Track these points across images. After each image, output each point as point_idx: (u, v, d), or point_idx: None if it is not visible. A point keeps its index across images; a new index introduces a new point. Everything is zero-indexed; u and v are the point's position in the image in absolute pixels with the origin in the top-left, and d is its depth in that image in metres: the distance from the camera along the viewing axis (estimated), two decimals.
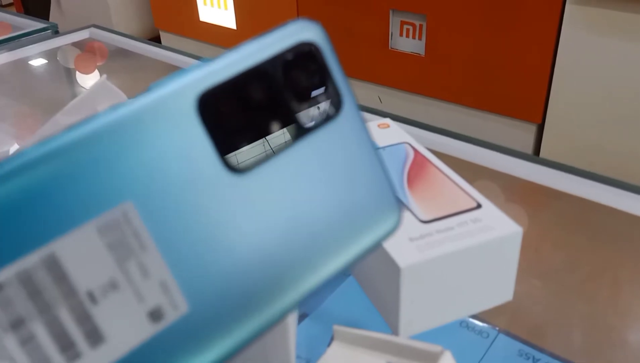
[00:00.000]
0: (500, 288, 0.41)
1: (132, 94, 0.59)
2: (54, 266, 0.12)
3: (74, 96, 0.83)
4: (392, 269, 0.37)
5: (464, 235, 0.38)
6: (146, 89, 0.15)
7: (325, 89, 0.16)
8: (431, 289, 0.38)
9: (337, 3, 1.42)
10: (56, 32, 1.05)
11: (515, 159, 0.61)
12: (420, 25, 1.31)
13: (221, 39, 1.73)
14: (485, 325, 0.43)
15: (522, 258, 0.41)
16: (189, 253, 0.14)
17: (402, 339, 0.37)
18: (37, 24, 1.07)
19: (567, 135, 1.15)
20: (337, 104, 0.16)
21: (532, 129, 1.22)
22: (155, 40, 1.89)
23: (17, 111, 0.85)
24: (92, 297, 0.13)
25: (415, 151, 0.49)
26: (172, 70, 0.92)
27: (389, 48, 1.38)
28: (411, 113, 0.71)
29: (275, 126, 0.15)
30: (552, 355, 0.41)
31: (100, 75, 0.62)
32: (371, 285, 0.42)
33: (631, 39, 1.02)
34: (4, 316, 0.12)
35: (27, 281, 0.12)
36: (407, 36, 1.34)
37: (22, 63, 0.96)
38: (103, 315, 0.13)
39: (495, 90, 1.23)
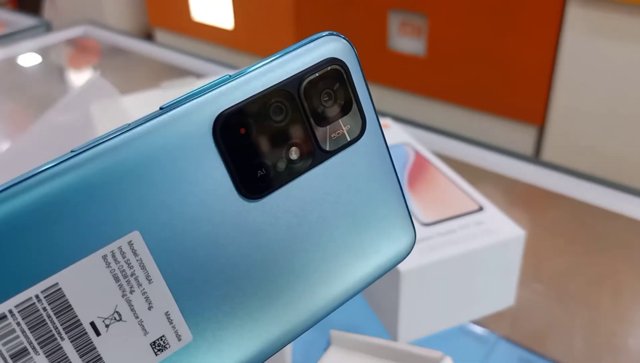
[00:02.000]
0: (501, 293, 0.40)
1: (126, 93, 0.58)
2: (57, 297, 0.12)
3: (67, 93, 0.82)
4: (392, 272, 0.36)
5: (466, 238, 0.38)
6: (158, 108, 0.13)
7: (350, 111, 0.15)
8: (432, 293, 0.37)
9: (335, 2, 1.41)
10: (49, 29, 1.04)
11: (516, 162, 0.60)
12: (420, 26, 1.31)
13: (218, 38, 1.72)
14: (485, 330, 0.42)
15: (523, 263, 0.40)
16: (196, 283, 0.13)
17: (401, 344, 0.36)
18: (30, 21, 1.06)
19: (568, 137, 1.14)
20: (360, 127, 0.15)
21: (532, 131, 1.21)
22: (149, 38, 1.88)
23: (9, 109, 0.84)
24: (95, 329, 0.13)
25: (416, 152, 0.48)
26: (167, 69, 0.91)
27: (388, 48, 1.37)
28: (410, 114, 0.71)
29: (295, 149, 0.14)
30: (553, 361, 0.40)
31: (94, 73, 0.61)
32: (370, 289, 0.41)
33: (633, 42, 1.02)
34: (5, 347, 0.12)
35: (29, 312, 0.12)
36: (407, 36, 1.34)
37: (15, 60, 0.95)
38: (106, 346, 0.13)
39: (496, 91, 1.23)
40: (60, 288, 0.12)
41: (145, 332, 0.13)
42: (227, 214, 0.13)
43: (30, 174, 0.12)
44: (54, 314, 0.12)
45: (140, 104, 0.59)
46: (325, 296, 0.15)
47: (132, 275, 0.13)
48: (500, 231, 0.38)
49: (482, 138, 0.65)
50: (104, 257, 0.12)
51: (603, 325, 0.44)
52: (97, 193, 0.12)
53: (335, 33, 0.15)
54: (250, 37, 1.66)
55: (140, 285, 0.13)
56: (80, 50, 1.01)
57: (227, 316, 0.14)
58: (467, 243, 0.37)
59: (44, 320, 0.12)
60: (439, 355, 0.35)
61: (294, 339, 0.15)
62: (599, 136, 1.12)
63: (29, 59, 0.96)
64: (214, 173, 0.13)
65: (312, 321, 0.15)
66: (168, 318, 0.13)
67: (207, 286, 0.13)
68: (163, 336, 0.13)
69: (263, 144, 0.14)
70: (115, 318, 0.13)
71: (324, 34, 0.15)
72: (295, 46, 0.14)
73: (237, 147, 0.13)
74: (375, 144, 0.15)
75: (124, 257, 0.13)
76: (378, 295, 0.40)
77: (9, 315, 0.12)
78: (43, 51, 0.98)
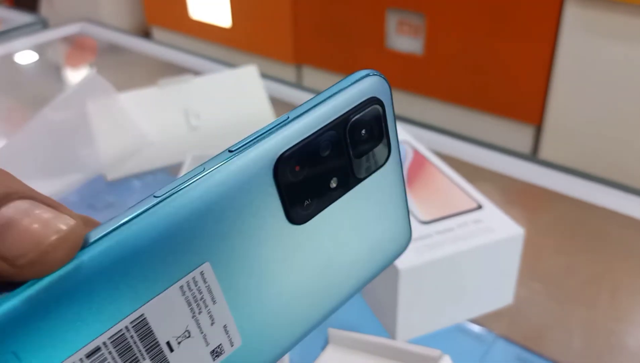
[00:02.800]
0: (500, 291, 0.40)
1: (123, 90, 0.57)
2: (142, 325, 0.14)
3: (63, 91, 0.82)
4: (390, 271, 0.36)
5: (465, 236, 0.37)
6: (223, 151, 0.15)
7: (381, 142, 0.17)
8: (430, 292, 0.37)
9: (333, 1, 1.41)
10: (46, 26, 1.03)
11: (514, 160, 0.60)
12: (418, 25, 1.31)
13: (215, 36, 1.72)
14: (482, 329, 0.42)
15: (521, 261, 0.40)
16: (249, 299, 0.15)
17: (399, 343, 0.36)
18: (27, 18, 1.06)
19: (565, 137, 1.14)
20: (387, 155, 0.17)
21: (529, 130, 1.21)
22: (146, 36, 1.88)
23: (5, 106, 0.83)
24: (170, 346, 0.14)
25: (415, 150, 0.47)
26: (164, 66, 0.91)
27: (385, 47, 1.37)
28: (407, 113, 0.71)
29: (335, 179, 0.16)
30: (551, 360, 0.40)
31: (90, 70, 0.61)
32: (368, 287, 0.41)
33: (630, 41, 1.02)
34: None
35: (119, 342, 0.13)
36: (405, 35, 1.34)
37: (11, 57, 0.95)
38: (177, 359, 0.14)
39: (493, 91, 1.23)
40: (145, 318, 0.14)
41: (207, 344, 0.15)
42: (278, 237, 0.15)
43: (126, 219, 0.13)
44: (139, 340, 0.14)
45: (137, 101, 0.59)
46: (339, 295, 0.18)
47: (201, 299, 0.14)
48: (499, 229, 0.38)
49: (480, 137, 0.65)
50: (181, 287, 0.14)
51: (601, 324, 0.44)
52: (180, 233, 0.14)
53: (375, 72, 0.16)
54: (247, 36, 1.66)
55: (207, 306, 0.15)
56: (77, 47, 1.00)
57: (269, 321, 0.16)
58: (466, 241, 0.37)
59: (131, 346, 0.13)
60: (437, 353, 0.34)
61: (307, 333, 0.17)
62: (597, 135, 1.12)
63: (25, 57, 0.96)
64: (271, 205, 0.15)
65: (324, 318, 0.18)
66: (225, 330, 0.15)
67: (259, 298, 0.16)
68: (220, 344, 0.15)
69: (312, 178, 0.16)
70: (185, 336, 0.14)
71: (365, 73, 0.16)
72: (342, 85, 0.16)
73: (292, 182, 0.15)
74: (395, 168, 0.18)
75: (196, 285, 0.14)
76: (376, 294, 0.39)
77: (102, 347, 0.13)
78: (39, 48, 0.98)
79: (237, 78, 0.63)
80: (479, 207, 0.40)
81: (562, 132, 1.16)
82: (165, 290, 0.14)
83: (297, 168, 0.15)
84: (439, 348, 0.35)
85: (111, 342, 0.13)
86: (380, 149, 0.17)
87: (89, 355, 0.13)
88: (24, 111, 0.81)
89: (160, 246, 0.13)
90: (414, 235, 0.38)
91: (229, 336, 0.15)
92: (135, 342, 0.13)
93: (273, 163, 0.15)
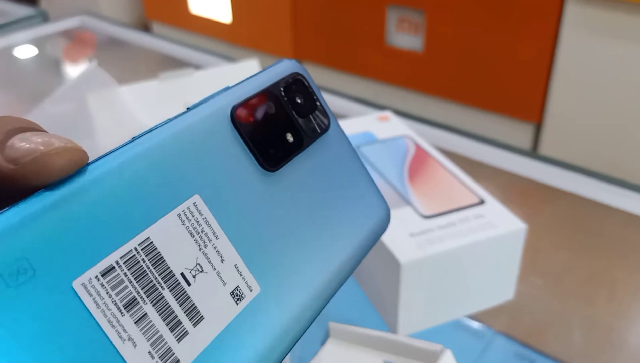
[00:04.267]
0: (501, 287, 0.40)
1: (124, 84, 0.57)
2: (151, 249, 0.14)
3: (63, 84, 0.81)
4: (392, 265, 0.36)
5: (466, 231, 0.37)
6: (185, 109, 0.17)
7: (316, 108, 0.20)
8: (432, 286, 0.37)
9: None
10: (46, 20, 1.03)
11: (515, 156, 0.60)
12: (418, 22, 1.31)
13: (215, 32, 1.72)
14: (481, 325, 0.42)
15: (521, 257, 0.40)
16: (249, 240, 0.16)
17: (400, 337, 0.36)
18: (26, 11, 1.05)
19: (565, 135, 1.14)
20: (327, 121, 0.20)
21: (529, 128, 1.21)
22: (146, 30, 1.87)
23: (4, 100, 0.83)
24: (185, 279, 0.15)
25: (416, 144, 0.47)
26: (165, 60, 0.90)
27: (386, 44, 1.37)
28: (407, 110, 0.70)
29: (289, 134, 0.19)
30: (549, 357, 0.40)
31: (90, 63, 0.61)
32: (369, 281, 0.41)
33: (631, 39, 1.02)
34: (117, 298, 0.13)
35: (132, 263, 0.14)
36: (405, 32, 1.34)
37: (10, 50, 0.94)
38: (197, 295, 0.15)
39: (493, 88, 1.23)
40: (152, 242, 0.14)
41: (224, 283, 0.16)
42: (256, 184, 0.17)
43: (114, 150, 0.15)
44: (152, 265, 0.14)
45: (138, 94, 0.58)
46: (332, 260, 0.19)
47: (202, 231, 0.15)
48: (500, 224, 0.38)
49: (480, 134, 0.65)
50: (179, 216, 0.15)
51: (601, 320, 0.44)
52: (163, 165, 0.15)
53: (291, 60, 0.20)
54: (247, 32, 1.66)
55: (210, 240, 0.16)
56: (77, 41, 1.00)
57: (280, 269, 0.17)
58: (468, 236, 0.37)
59: (145, 270, 0.14)
60: (438, 347, 0.34)
61: (328, 301, 0.18)
62: (596, 134, 1.12)
63: (25, 50, 0.95)
64: (240, 151, 0.17)
65: (336, 281, 0.19)
66: (238, 270, 0.16)
67: (257, 243, 0.17)
68: (238, 286, 0.16)
69: (268, 130, 0.18)
70: (198, 269, 0.15)
71: (284, 60, 0.20)
72: (267, 68, 0.20)
73: (251, 131, 0.17)
74: (340, 136, 0.21)
75: (193, 216, 0.15)
76: (377, 288, 0.39)
77: (116, 266, 0.14)
78: (39, 42, 0.98)
79: (238, 72, 0.63)
80: (481, 202, 0.40)
81: (561, 130, 1.16)
82: (164, 215, 0.15)
83: (251, 119, 0.18)
84: (439, 344, 0.35)
85: (124, 263, 0.14)
86: (318, 115, 0.20)
87: (104, 274, 0.13)
88: (24, 105, 0.80)
89: (150, 174, 0.15)
90: (417, 229, 0.38)
91: (243, 278, 0.16)
92: (148, 267, 0.14)
93: (229, 112, 0.17)
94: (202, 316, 0.15)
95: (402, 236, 0.37)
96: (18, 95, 0.85)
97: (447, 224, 0.38)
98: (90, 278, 0.13)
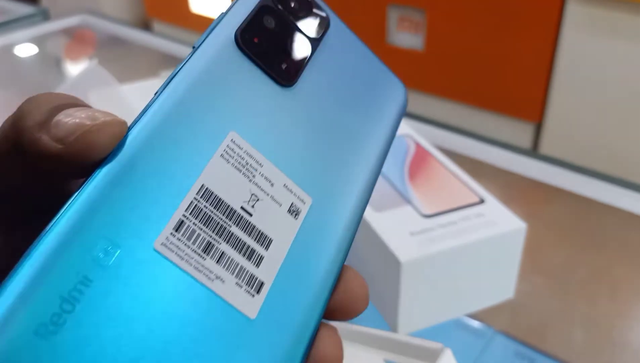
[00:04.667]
0: (501, 285, 0.40)
1: (125, 82, 0.57)
2: (208, 194, 0.15)
3: (64, 82, 0.81)
4: (392, 263, 0.36)
5: (467, 230, 0.37)
6: (192, 48, 0.17)
7: (313, 8, 0.20)
8: (432, 285, 0.37)
9: None
10: (47, 18, 1.03)
11: (516, 155, 0.60)
12: (419, 21, 1.31)
13: None
14: (482, 324, 0.42)
15: (522, 256, 0.40)
16: (288, 157, 0.17)
17: (401, 336, 0.36)
18: (27, 9, 1.05)
19: (565, 135, 1.14)
20: (327, 19, 0.20)
21: (529, 127, 1.21)
22: (147, 29, 1.87)
23: (5, 98, 0.83)
24: (247, 211, 0.16)
25: (417, 143, 0.47)
26: (165, 59, 0.90)
27: (386, 43, 1.37)
28: (408, 109, 0.71)
29: (293, 43, 0.19)
30: (549, 356, 0.40)
31: (91, 61, 0.61)
32: (369, 280, 0.41)
33: (631, 39, 1.02)
34: (195, 246, 0.14)
35: (197, 212, 0.15)
36: (405, 31, 1.34)
37: (11, 49, 0.94)
38: (261, 222, 0.16)
39: (494, 88, 1.23)
40: (207, 188, 0.15)
41: (279, 204, 0.17)
42: (279, 102, 0.18)
43: (145, 109, 0.15)
44: (214, 208, 0.15)
45: (138, 93, 0.59)
46: (368, 152, 0.19)
47: (246, 163, 0.16)
48: (501, 223, 0.38)
49: (480, 134, 0.65)
50: (222, 156, 0.16)
51: (601, 319, 0.44)
52: (194, 114, 0.16)
53: None
54: None
55: (256, 170, 0.16)
56: (78, 39, 1.00)
57: (324, 175, 0.18)
58: (468, 234, 0.37)
59: (210, 215, 0.15)
60: (438, 346, 0.34)
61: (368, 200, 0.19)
62: (597, 135, 1.12)
63: (25, 48, 0.95)
64: (256, 75, 0.17)
65: (373, 175, 0.19)
66: (288, 189, 0.17)
67: (297, 157, 0.17)
68: (292, 203, 0.17)
69: (274, 45, 0.18)
70: (254, 199, 0.16)
71: None
72: None
73: (259, 52, 0.18)
74: (341, 27, 0.21)
75: (234, 152, 0.16)
76: (378, 286, 0.40)
77: (184, 219, 0.15)
78: (40, 40, 0.98)
79: None
80: (481, 201, 0.40)
81: (562, 130, 1.16)
82: (209, 161, 0.15)
83: (256, 40, 0.18)
84: (439, 342, 0.35)
85: (190, 214, 0.15)
86: (317, 13, 0.20)
87: (176, 229, 0.14)
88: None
89: (185, 125, 0.15)
90: (417, 228, 0.38)
91: (295, 194, 0.17)
92: (211, 211, 0.15)
93: (233, 39, 0.17)
94: (270, 239, 0.16)
95: (403, 235, 0.37)
96: (19, 93, 0.85)
97: (448, 223, 0.38)
98: (167, 237, 0.14)
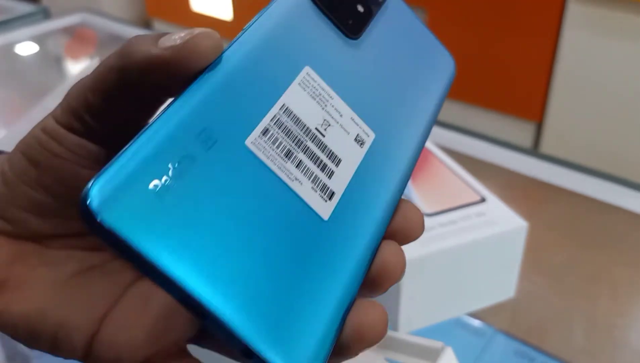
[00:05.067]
0: (502, 285, 0.40)
1: None
2: (289, 113, 0.17)
3: (65, 81, 0.81)
4: None
5: (468, 229, 0.37)
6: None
7: None
8: (433, 284, 0.37)
9: None
10: (47, 16, 1.03)
11: (517, 154, 0.60)
12: None
13: (216, 29, 1.71)
14: (482, 324, 0.42)
15: (522, 255, 0.40)
16: (354, 96, 0.19)
17: (401, 335, 0.36)
18: (28, 8, 1.05)
19: (566, 134, 1.14)
20: None
21: (530, 126, 1.21)
22: (147, 27, 1.86)
23: (5, 96, 0.83)
24: (320, 132, 0.18)
25: None
26: None
27: None
28: None
29: (359, 5, 0.21)
30: (549, 355, 0.40)
31: (92, 60, 0.61)
32: None
33: (631, 39, 1.02)
34: (278, 150, 0.17)
35: (279, 124, 0.17)
36: None
37: (12, 47, 0.94)
38: (332, 144, 0.18)
39: (495, 87, 1.23)
40: (287, 107, 0.18)
41: (347, 132, 0.19)
42: (346, 50, 0.20)
43: (238, 37, 0.18)
44: (293, 124, 0.18)
45: None
46: (422, 106, 0.22)
47: (319, 94, 0.19)
48: (502, 222, 0.38)
49: (481, 133, 0.65)
50: (299, 84, 0.18)
51: (602, 318, 0.44)
52: (277, 48, 0.18)
53: None
54: None
55: (328, 101, 0.19)
56: (78, 38, 1.00)
57: (385, 116, 0.20)
58: (469, 233, 0.37)
59: (290, 129, 0.17)
60: (439, 345, 0.34)
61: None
62: (597, 134, 1.12)
63: (26, 47, 0.95)
64: (326, 25, 0.20)
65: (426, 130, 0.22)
66: (354, 122, 0.19)
67: (361, 97, 0.20)
68: (358, 134, 0.19)
69: (340, 3, 0.21)
70: (326, 124, 0.18)
71: None
72: None
73: (328, 6, 0.20)
74: (401, 2, 0.23)
75: (310, 83, 0.18)
76: None
77: (269, 127, 0.17)
78: (40, 39, 0.98)
79: None
80: (482, 200, 0.40)
81: (562, 128, 1.16)
82: (289, 86, 0.18)
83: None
84: (440, 341, 0.35)
85: (274, 124, 0.17)
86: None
87: (263, 133, 0.17)
88: (25, 102, 0.81)
89: (271, 56, 0.18)
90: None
91: (360, 127, 0.19)
92: (291, 126, 0.17)
93: None
94: (340, 159, 0.18)
95: None
96: (19, 92, 0.85)
97: (449, 222, 0.38)
98: (255, 138, 0.17)
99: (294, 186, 0.17)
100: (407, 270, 0.35)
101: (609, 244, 0.51)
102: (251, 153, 0.16)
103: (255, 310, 0.15)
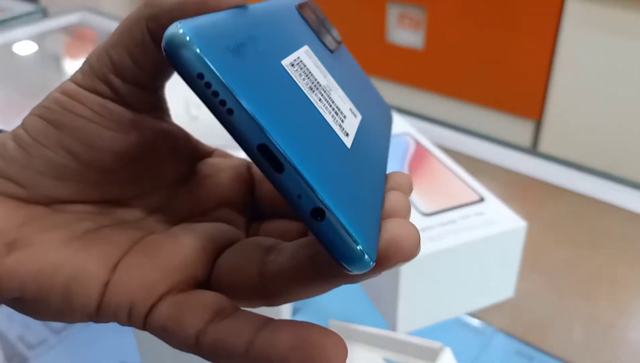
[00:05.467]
0: (501, 284, 0.40)
1: None
2: (302, 64, 0.19)
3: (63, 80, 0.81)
4: None
5: (467, 228, 0.37)
6: None
7: (330, 28, 0.25)
8: (432, 284, 0.37)
9: None
10: (45, 15, 1.03)
11: (516, 154, 0.60)
12: (419, 18, 1.30)
13: None
14: (482, 323, 0.42)
15: (522, 254, 0.40)
16: (338, 80, 0.21)
17: (400, 335, 0.36)
18: (26, 7, 1.05)
19: (565, 132, 1.14)
20: (339, 38, 0.25)
21: (529, 125, 1.21)
22: None
23: (3, 95, 0.83)
24: (326, 91, 0.20)
25: (417, 142, 0.47)
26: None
27: (386, 41, 1.37)
28: (408, 107, 0.70)
29: (327, 32, 0.24)
30: (549, 354, 0.40)
31: None
32: (368, 279, 0.41)
33: (631, 36, 1.02)
34: (304, 82, 0.18)
35: (300, 66, 0.19)
36: (406, 29, 1.33)
37: (10, 47, 0.94)
38: (337, 102, 0.20)
39: (494, 85, 1.22)
40: (302, 60, 0.19)
41: (344, 102, 0.20)
42: (327, 54, 0.22)
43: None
44: (308, 72, 0.19)
45: None
46: (383, 133, 0.24)
47: (319, 66, 0.20)
48: (501, 222, 0.38)
49: (478, 131, 0.65)
50: (306, 51, 0.20)
51: (601, 317, 0.44)
52: (286, 24, 0.20)
53: None
54: None
55: (325, 74, 0.20)
56: (77, 37, 1.00)
57: (364, 110, 0.22)
58: (468, 233, 0.37)
59: (308, 73, 0.19)
60: (438, 345, 0.34)
61: None
62: (596, 131, 1.12)
63: (24, 46, 0.95)
64: (311, 36, 0.22)
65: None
66: (347, 98, 0.21)
67: (345, 85, 0.22)
68: (351, 108, 0.21)
69: (319, 22, 0.24)
70: (329, 89, 0.20)
71: None
72: None
73: (311, 22, 0.23)
74: (347, 51, 0.26)
75: (311, 57, 0.20)
76: (377, 285, 0.39)
77: (294, 64, 0.19)
78: (39, 38, 0.97)
79: None
80: (481, 199, 0.40)
81: (561, 127, 1.16)
82: (300, 48, 0.20)
83: (307, 15, 0.23)
84: (438, 341, 0.35)
85: (297, 64, 0.19)
86: (334, 31, 0.25)
87: (292, 65, 0.18)
88: (24, 101, 0.80)
89: (285, 24, 0.20)
90: (417, 226, 0.38)
91: (351, 104, 0.21)
92: (307, 72, 0.19)
93: (295, 7, 0.22)
94: (345, 115, 0.20)
95: None
96: (18, 91, 0.85)
97: (448, 222, 0.38)
98: (287, 64, 0.18)
99: (319, 106, 0.18)
100: (405, 269, 0.35)
101: (608, 243, 0.51)
102: (285, 70, 0.18)
103: (327, 175, 0.16)
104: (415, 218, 0.38)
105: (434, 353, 0.34)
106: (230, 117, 0.15)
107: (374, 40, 1.38)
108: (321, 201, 0.15)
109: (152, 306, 0.18)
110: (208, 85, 0.14)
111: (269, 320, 0.17)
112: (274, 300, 0.19)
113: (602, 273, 0.48)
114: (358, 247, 0.15)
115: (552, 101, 1.16)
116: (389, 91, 1.41)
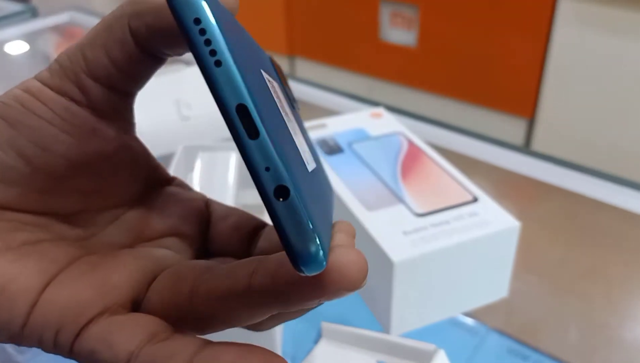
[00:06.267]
0: (495, 284, 0.40)
1: None
2: (275, 88, 0.19)
3: None
4: (385, 263, 0.36)
5: (460, 229, 0.37)
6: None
7: (291, 94, 0.25)
8: (425, 285, 0.37)
9: None
10: (35, 15, 1.02)
11: (509, 152, 0.60)
12: (411, 17, 1.30)
13: None
14: (475, 322, 0.42)
15: (515, 254, 0.40)
16: (293, 128, 0.20)
17: (393, 337, 0.36)
18: (16, 7, 1.04)
19: (557, 130, 1.15)
20: (296, 104, 0.25)
21: (522, 124, 1.21)
22: None
23: None
24: (292, 123, 0.19)
25: (410, 141, 0.47)
26: None
27: (379, 39, 1.36)
28: (400, 105, 0.70)
29: (289, 99, 0.23)
30: (542, 353, 0.40)
31: None
32: None
33: (623, 34, 1.02)
34: (275, 97, 0.18)
35: (272, 85, 0.18)
36: (398, 27, 1.33)
37: (0, 46, 0.93)
38: (296, 139, 0.18)
39: (487, 84, 1.23)
40: (274, 85, 0.19)
41: (301, 143, 0.19)
42: (291, 107, 0.22)
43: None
44: (277, 97, 0.18)
45: None
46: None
47: (280, 99, 0.19)
48: (494, 222, 0.38)
49: (471, 130, 0.65)
50: (278, 86, 0.20)
51: (595, 317, 0.44)
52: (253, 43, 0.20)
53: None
54: None
55: (285, 111, 0.19)
56: (68, 37, 0.99)
57: (316, 166, 0.22)
58: (461, 234, 0.37)
59: (277, 96, 0.18)
60: (431, 348, 0.34)
61: None
62: (589, 129, 1.12)
63: (15, 46, 0.94)
64: (279, 81, 0.22)
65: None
66: (303, 144, 0.20)
67: (299, 134, 0.21)
68: (307, 151, 0.20)
69: (286, 82, 0.24)
70: (286, 117, 0.19)
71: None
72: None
73: (279, 71, 0.23)
74: (300, 118, 0.26)
75: (266, 78, 0.19)
76: (370, 287, 0.39)
77: (267, 80, 0.18)
78: (29, 37, 0.97)
79: None
80: (475, 200, 0.40)
81: (554, 126, 1.17)
82: (273, 79, 0.19)
83: (278, 67, 0.23)
84: (430, 341, 0.34)
85: (271, 84, 0.18)
86: (292, 97, 0.25)
87: (269, 80, 0.18)
88: None
89: (250, 40, 0.19)
90: (409, 227, 0.37)
91: (307, 151, 0.20)
92: (280, 97, 0.19)
93: (268, 58, 0.22)
94: (305, 150, 0.19)
95: (395, 235, 0.37)
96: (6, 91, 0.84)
97: (441, 222, 0.37)
98: (265, 76, 0.18)
99: (292, 132, 0.18)
100: (399, 270, 0.35)
101: (602, 242, 0.51)
102: (264, 78, 0.17)
103: (294, 167, 0.15)
104: (408, 219, 0.38)
105: (428, 356, 0.34)
106: (217, 70, 0.14)
107: (367, 39, 1.38)
108: (289, 180, 0.14)
109: (82, 329, 0.16)
110: (202, 31, 0.14)
111: (208, 343, 0.16)
112: (205, 325, 0.17)
113: (596, 271, 0.48)
114: (315, 237, 0.14)
115: (544, 100, 1.16)
116: (382, 90, 1.41)
